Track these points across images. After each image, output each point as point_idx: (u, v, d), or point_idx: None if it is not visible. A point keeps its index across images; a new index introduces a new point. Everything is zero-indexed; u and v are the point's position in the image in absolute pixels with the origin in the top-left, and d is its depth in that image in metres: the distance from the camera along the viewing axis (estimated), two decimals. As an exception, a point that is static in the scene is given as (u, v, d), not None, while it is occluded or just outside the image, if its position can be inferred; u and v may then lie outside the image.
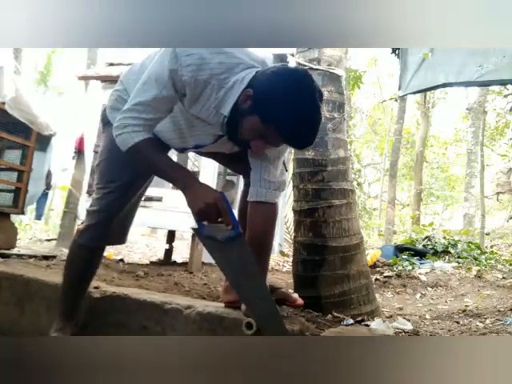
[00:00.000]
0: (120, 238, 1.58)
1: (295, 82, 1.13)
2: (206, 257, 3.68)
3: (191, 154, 4.44)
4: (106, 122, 1.49)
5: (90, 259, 1.54)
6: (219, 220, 1.17)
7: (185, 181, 1.21)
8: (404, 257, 4.51)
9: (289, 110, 1.11)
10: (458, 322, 2.11)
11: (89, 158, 4.17)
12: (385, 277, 3.67)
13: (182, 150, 1.55)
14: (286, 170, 1.58)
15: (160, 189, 3.61)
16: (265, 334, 1.26)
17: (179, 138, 1.42)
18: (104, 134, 1.53)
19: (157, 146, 1.27)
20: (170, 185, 4.35)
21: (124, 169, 1.43)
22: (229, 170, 3.77)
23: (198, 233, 1.22)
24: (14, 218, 4.10)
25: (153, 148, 1.24)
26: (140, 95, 1.21)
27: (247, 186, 1.46)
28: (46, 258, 2.94)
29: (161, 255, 4.81)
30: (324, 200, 1.93)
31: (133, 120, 1.21)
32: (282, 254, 5.21)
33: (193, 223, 1.23)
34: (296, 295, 1.59)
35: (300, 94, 1.12)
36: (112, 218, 1.47)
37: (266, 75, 1.16)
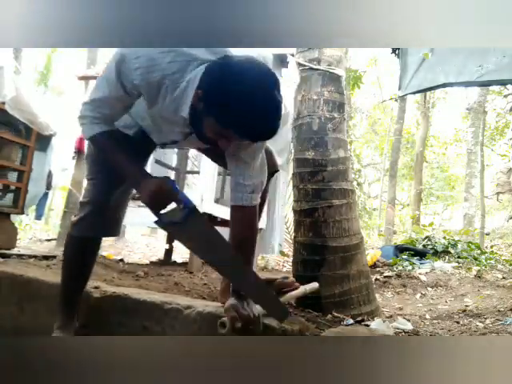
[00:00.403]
0: (113, 230, 1.56)
1: (239, 75, 1.06)
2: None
3: (191, 154, 4.45)
4: None
5: (84, 251, 1.53)
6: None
7: (134, 177, 1.26)
8: (404, 257, 4.51)
9: (239, 107, 1.03)
10: (458, 322, 2.11)
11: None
12: (385, 277, 3.67)
13: (162, 146, 1.56)
14: (276, 169, 1.60)
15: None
16: (249, 297, 1.26)
17: (157, 133, 1.45)
18: None
19: (115, 141, 1.30)
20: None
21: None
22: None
23: (159, 224, 1.25)
24: (14, 217, 4.10)
25: (110, 142, 1.29)
26: (95, 91, 1.28)
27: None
28: (46, 257, 2.94)
29: (161, 255, 4.81)
30: (324, 200, 1.93)
31: (91, 112, 1.27)
32: (282, 254, 5.21)
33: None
34: (291, 279, 1.59)
35: (247, 86, 1.04)
36: (102, 206, 1.47)
37: (212, 71, 1.10)
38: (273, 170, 1.57)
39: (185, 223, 1.21)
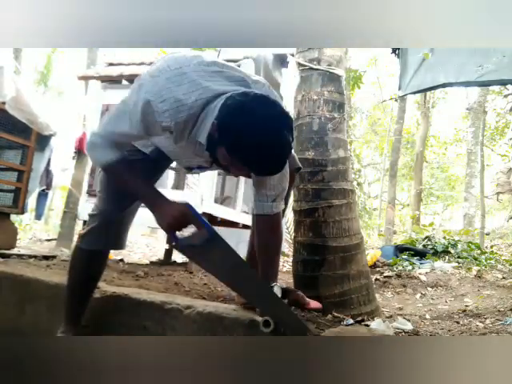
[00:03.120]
0: (121, 243, 1.58)
1: (253, 112, 1.09)
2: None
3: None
4: None
5: (91, 263, 1.54)
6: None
7: (151, 200, 1.28)
8: (404, 257, 4.51)
9: (248, 144, 1.07)
10: (458, 322, 2.11)
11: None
12: (385, 277, 3.67)
13: (189, 169, 1.59)
14: (299, 167, 1.64)
15: (160, 189, 3.61)
16: (276, 323, 1.24)
17: (185, 159, 1.47)
18: None
19: (128, 165, 1.31)
20: (170, 185, 4.38)
21: None
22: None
23: (176, 247, 1.28)
24: (14, 218, 4.09)
25: (123, 168, 1.29)
26: (112, 123, 1.27)
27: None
28: (46, 257, 2.94)
29: (161, 255, 4.82)
30: (324, 200, 1.93)
31: (104, 140, 1.27)
32: (282, 254, 5.21)
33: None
34: (310, 300, 1.59)
35: (259, 125, 1.08)
36: (111, 221, 1.49)
37: (229, 105, 1.13)
38: (296, 167, 1.61)
39: (205, 247, 1.23)
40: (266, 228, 1.43)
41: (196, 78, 1.16)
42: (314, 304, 1.58)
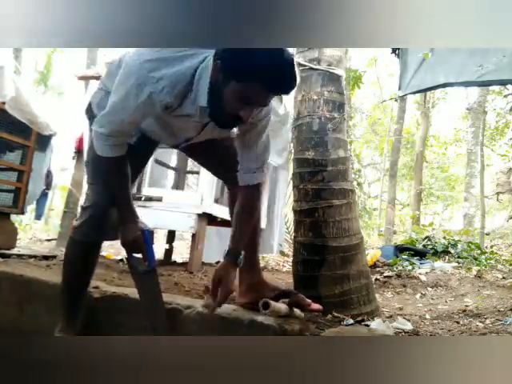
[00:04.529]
0: (115, 234, 1.58)
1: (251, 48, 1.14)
2: (206, 257, 3.68)
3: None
4: (91, 118, 1.51)
5: (86, 255, 1.55)
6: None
7: (123, 214, 1.41)
8: (404, 257, 4.51)
9: (262, 60, 1.12)
10: (458, 322, 2.11)
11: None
12: (385, 277, 3.67)
13: (175, 146, 1.63)
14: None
15: (160, 189, 3.61)
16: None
17: (169, 136, 1.50)
18: (91, 130, 1.54)
19: (124, 168, 1.39)
20: (170, 185, 4.38)
21: None
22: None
23: (128, 262, 1.51)
24: (14, 218, 4.09)
25: (120, 169, 1.38)
26: (121, 112, 1.28)
27: (230, 190, 1.64)
28: (46, 258, 2.94)
29: (161, 255, 4.81)
30: (324, 200, 1.93)
31: (114, 133, 1.31)
32: (282, 253, 5.20)
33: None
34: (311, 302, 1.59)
35: (263, 48, 1.13)
36: (105, 212, 1.49)
37: (223, 49, 1.18)
38: None
39: (142, 276, 1.45)
40: (247, 198, 1.49)
41: (179, 53, 1.22)
42: (315, 305, 1.58)
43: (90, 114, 1.52)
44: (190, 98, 1.26)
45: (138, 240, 1.38)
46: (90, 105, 1.54)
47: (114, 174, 1.38)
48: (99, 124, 1.32)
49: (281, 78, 1.17)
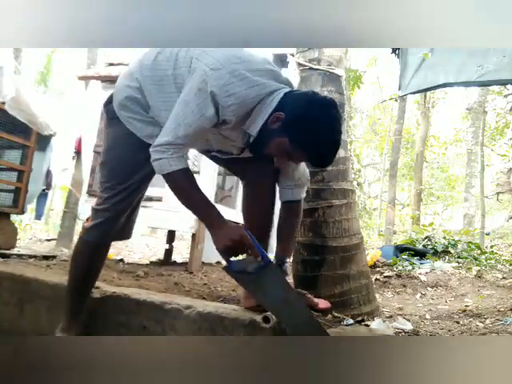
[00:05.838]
0: (127, 233, 1.60)
1: (324, 108, 1.23)
2: (206, 257, 3.68)
3: (191, 155, 4.44)
4: (112, 117, 1.46)
5: (96, 256, 1.54)
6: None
7: (211, 219, 1.27)
8: (404, 257, 4.50)
9: (317, 135, 1.20)
10: (458, 322, 2.11)
11: (88, 158, 4.16)
12: (385, 277, 3.67)
13: (205, 152, 1.63)
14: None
15: (160, 189, 3.61)
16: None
17: (205, 144, 1.49)
18: (109, 129, 1.51)
19: (192, 178, 1.31)
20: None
21: (134, 171, 1.45)
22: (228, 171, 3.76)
23: (228, 270, 1.27)
24: (14, 217, 4.09)
25: (188, 180, 1.29)
26: (185, 127, 1.23)
27: (246, 187, 1.59)
28: (46, 257, 2.94)
29: (161, 255, 4.82)
30: (324, 200, 1.93)
31: (173, 147, 1.24)
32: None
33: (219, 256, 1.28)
34: (318, 300, 1.61)
35: (327, 120, 1.22)
36: (120, 217, 1.49)
37: (296, 99, 1.25)
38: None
39: (258, 275, 1.23)
40: (290, 212, 1.56)
41: (254, 73, 1.23)
42: (324, 304, 1.59)
43: (111, 112, 1.46)
44: (245, 124, 1.29)
45: (245, 238, 1.22)
46: (108, 103, 1.49)
47: (191, 183, 1.30)
48: (170, 135, 1.24)
49: (325, 156, 1.27)
